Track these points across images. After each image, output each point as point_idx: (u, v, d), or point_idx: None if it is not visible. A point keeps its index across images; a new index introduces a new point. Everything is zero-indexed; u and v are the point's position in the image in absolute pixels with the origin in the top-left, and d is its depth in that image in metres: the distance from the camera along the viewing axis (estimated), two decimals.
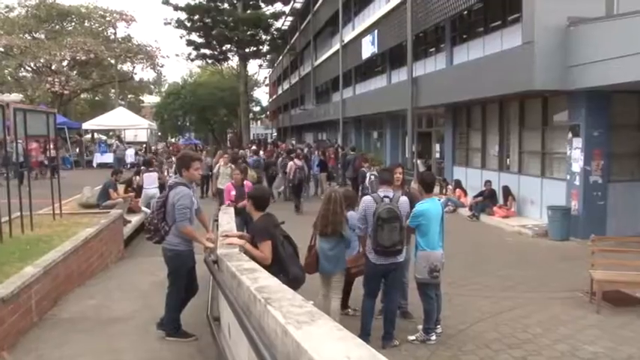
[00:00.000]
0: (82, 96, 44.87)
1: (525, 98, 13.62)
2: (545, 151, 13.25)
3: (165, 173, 14.80)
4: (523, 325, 6.48)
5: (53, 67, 33.23)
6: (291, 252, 5.15)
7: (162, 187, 12.04)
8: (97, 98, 48.99)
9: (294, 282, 4.66)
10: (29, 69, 36.54)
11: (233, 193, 9.75)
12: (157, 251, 5.59)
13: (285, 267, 4.94)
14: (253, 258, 4.67)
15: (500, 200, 14.32)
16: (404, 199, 5.81)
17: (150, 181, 13.05)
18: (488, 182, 14.66)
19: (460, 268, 8.96)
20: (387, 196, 5.68)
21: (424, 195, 6.03)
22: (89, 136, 34.59)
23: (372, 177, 14.93)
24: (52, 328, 5.73)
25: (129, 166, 25.90)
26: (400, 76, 21.69)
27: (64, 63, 34.41)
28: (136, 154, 27.77)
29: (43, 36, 34.70)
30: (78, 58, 32.79)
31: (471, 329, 6.36)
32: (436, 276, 5.82)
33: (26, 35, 33.65)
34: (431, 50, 19.88)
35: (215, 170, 14.13)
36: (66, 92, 33.44)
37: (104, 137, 36.87)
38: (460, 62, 16.32)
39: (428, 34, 19.97)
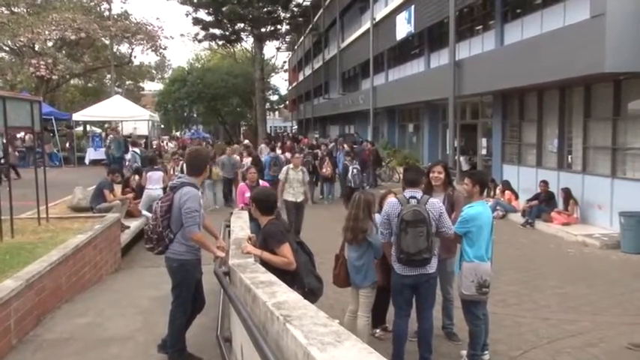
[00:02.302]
0: (72, 82, 44.95)
1: (593, 83, 13.36)
2: (616, 147, 12.98)
3: (172, 172, 14.89)
4: (590, 354, 6.32)
5: (37, 48, 33.09)
6: (305, 260, 5.22)
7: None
8: (89, 85, 49.32)
9: (310, 295, 4.73)
10: (8, 49, 36.39)
11: (248, 194, 9.77)
12: (160, 261, 5.61)
13: (300, 277, 4.99)
14: (273, 269, 4.67)
15: (560, 204, 14.09)
16: (434, 201, 5.74)
17: (154, 181, 13.16)
18: (544, 183, 14.43)
19: (512, 284, 8.84)
20: (414, 197, 5.66)
21: (475, 197, 5.95)
22: (81, 128, 34.99)
23: (355, 170, 15.45)
24: (35, 352, 5.75)
25: (127, 163, 26.15)
26: (441, 59, 21.56)
27: (50, 43, 34.10)
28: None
29: (23, 10, 34.42)
30: (66, 37, 32.62)
31: (525, 357, 6.24)
32: (485, 292, 5.75)
33: (3, 9, 32.84)
34: (477, 28, 19.70)
35: (282, 175, 12.12)
36: (53, 77, 33.15)
37: (98, 130, 37.27)
38: (512, 42, 16.11)
39: (474, 9, 19.79)
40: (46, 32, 31.45)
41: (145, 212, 12.46)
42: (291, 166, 12.32)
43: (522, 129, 17.11)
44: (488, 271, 5.77)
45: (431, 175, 6.52)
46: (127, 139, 23.78)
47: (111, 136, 24.49)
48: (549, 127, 15.56)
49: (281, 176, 12.15)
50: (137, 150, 19.85)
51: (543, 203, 14.17)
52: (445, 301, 6.68)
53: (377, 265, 6.12)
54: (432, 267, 5.68)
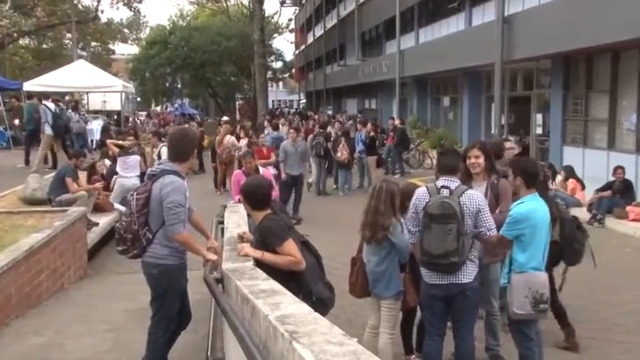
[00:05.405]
0: (22, 42, 44.62)
1: None
2: None
3: (156, 157, 14.85)
4: None
5: None
6: (312, 263, 5.25)
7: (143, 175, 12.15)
8: (44, 46, 49.15)
9: (319, 305, 4.77)
10: None
11: None
12: (136, 266, 5.62)
13: (306, 284, 5.05)
14: (274, 274, 4.67)
15: (639, 197, 13.99)
16: (473, 194, 5.69)
17: (129, 168, 13.16)
18: (620, 169, 14.28)
19: (576, 297, 8.74)
20: (446, 187, 5.64)
21: (522, 191, 5.90)
22: (35, 100, 34.99)
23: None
24: None
25: (95, 145, 26.28)
26: (485, 14, 21.42)
27: None
28: (106, 128, 28.16)
29: None
30: None
31: None
32: (544, 309, 5.68)
33: None
34: None
35: None
36: None
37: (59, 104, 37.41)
38: None
39: None
40: None
41: (117, 206, 12.50)
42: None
43: (589, 101, 17.03)
44: (545, 283, 5.69)
45: (467, 161, 6.47)
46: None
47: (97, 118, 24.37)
48: (626, 99, 15.47)
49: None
50: (50, 104, 19.59)
51: (617, 195, 14.02)
52: (488, 316, 6.63)
53: (406, 281, 6.12)
54: (468, 275, 5.64)
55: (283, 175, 14.43)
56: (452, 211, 5.44)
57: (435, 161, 20.45)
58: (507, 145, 8.59)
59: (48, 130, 19.06)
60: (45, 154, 19.14)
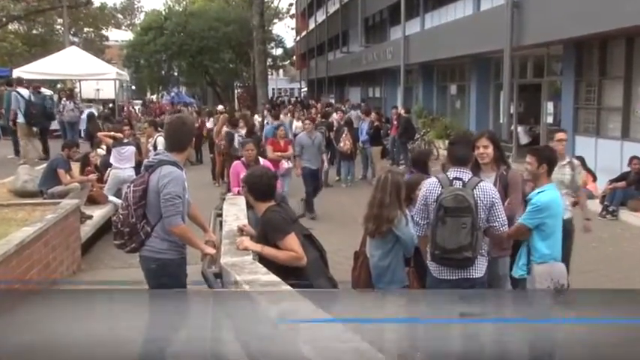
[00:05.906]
0: (11, 27, 44.51)
1: None
2: None
3: (151, 147, 14.80)
4: None
5: None
6: (315, 258, 5.30)
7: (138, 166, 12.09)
8: (34, 32, 49.08)
9: None
10: None
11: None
12: (132, 260, 5.60)
13: (307, 279, 5.08)
14: (275, 269, 4.66)
15: None
16: (486, 186, 5.70)
17: (123, 159, 13.13)
18: (636, 159, 14.23)
19: None
20: (459, 179, 5.62)
21: (543, 180, 5.90)
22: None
23: (241, 138, 15.54)
24: None
25: (84, 135, 26.22)
26: None
27: None
28: (99, 117, 28.12)
29: None
30: None
31: None
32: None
33: None
34: None
35: None
36: None
37: (50, 92, 37.32)
38: None
39: None
40: None
41: (112, 198, 12.48)
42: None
43: (603, 89, 16.97)
44: (565, 273, 5.76)
45: (475, 151, 6.44)
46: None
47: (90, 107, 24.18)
48: None
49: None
50: (23, 91, 18.95)
51: (633, 186, 13.97)
52: None
53: (410, 275, 6.12)
54: (479, 270, 5.66)
55: (298, 172, 14.25)
56: (466, 204, 5.43)
57: (440, 151, 20.51)
58: (560, 136, 8.43)
59: (20, 119, 18.52)
60: (26, 144, 18.85)
